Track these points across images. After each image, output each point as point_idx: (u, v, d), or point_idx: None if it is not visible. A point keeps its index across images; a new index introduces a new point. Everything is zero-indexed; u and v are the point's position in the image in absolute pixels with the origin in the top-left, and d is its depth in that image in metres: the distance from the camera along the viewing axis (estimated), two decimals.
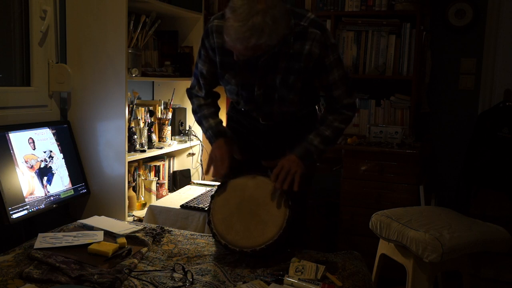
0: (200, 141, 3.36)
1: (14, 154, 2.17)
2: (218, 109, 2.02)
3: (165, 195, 3.01)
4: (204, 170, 1.96)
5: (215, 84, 1.97)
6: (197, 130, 3.36)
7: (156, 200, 2.90)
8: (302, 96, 1.82)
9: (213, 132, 1.92)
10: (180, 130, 3.26)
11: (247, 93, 1.83)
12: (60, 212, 2.59)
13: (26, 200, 2.18)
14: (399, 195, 2.92)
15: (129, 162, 2.59)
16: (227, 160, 1.83)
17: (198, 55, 1.92)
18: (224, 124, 2.03)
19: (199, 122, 2.00)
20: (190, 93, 2.02)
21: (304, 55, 1.71)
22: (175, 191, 3.04)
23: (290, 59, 1.73)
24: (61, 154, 2.47)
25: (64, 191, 2.43)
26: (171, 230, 2.07)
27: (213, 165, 1.86)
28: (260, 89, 1.80)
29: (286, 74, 1.75)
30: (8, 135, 2.18)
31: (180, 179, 3.23)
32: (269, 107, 1.85)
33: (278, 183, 1.75)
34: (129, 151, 2.60)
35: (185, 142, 3.21)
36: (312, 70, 1.75)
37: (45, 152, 2.37)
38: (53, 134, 2.45)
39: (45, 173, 2.33)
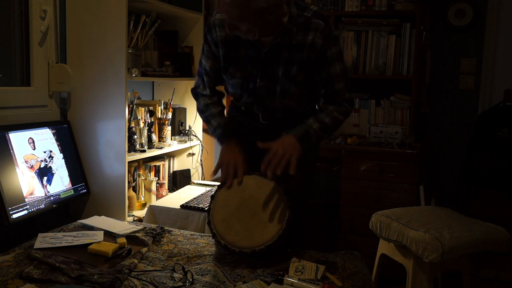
0: (200, 141, 3.36)
1: (14, 154, 2.17)
2: (224, 107, 2.01)
3: (165, 195, 3.01)
4: (213, 171, 1.91)
5: (218, 82, 1.96)
6: (197, 130, 3.36)
7: (156, 200, 2.90)
8: (304, 90, 1.82)
9: (222, 131, 1.91)
10: (180, 130, 3.26)
11: (251, 86, 1.83)
12: (60, 212, 2.59)
13: (26, 200, 2.18)
14: (399, 195, 2.92)
15: (129, 162, 2.59)
16: (242, 167, 1.81)
17: (201, 52, 1.93)
18: None
19: (207, 121, 1.97)
20: (196, 93, 2.02)
21: (307, 45, 1.72)
22: (175, 191, 3.04)
23: (293, 50, 1.73)
24: (61, 154, 2.47)
25: (64, 191, 2.43)
26: (171, 230, 2.07)
27: (224, 170, 1.83)
28: (263, 81, 1.80)
29: (289, 65, 1.75)
30: (8, 135, 2.18)
31: (180, 179, 3.23)
32: (271, 101, 1.85)
33: (270, 170, 1.72)
34: (129, 151, 2.60)
35: (185, 142, 3.21)
36: (314, 62, 1.75)
37: (45, 152, 2.37)
38: (53, 134, 2.45)
39: (45, 173, 2.33)
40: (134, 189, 2.85)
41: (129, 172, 2.69)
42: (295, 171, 1.70)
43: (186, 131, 3.30)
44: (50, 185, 2.34)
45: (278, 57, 1.76)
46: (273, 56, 1.75)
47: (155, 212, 2.61)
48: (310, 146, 1.82)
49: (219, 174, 1.91)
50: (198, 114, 2.07)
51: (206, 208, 2.46)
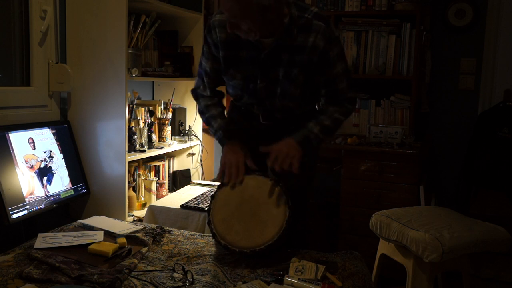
0: (200, 141, 3.36)
1: (14, 154, 2.17)
2: (224, 108, 2.01)
3: (165, 195, 3.01)
4: (217, 176, 1.93)
5: (218, 83, 1.96)
6: (197, 130, 3.36)
7: (156, 200, 2.90)
8: (304, 91, 1.82)
9: (224, 133, 1.91)
10: (180, 130, 3.26)
11: (251, 86, 1.83)
12: (60, 212, 2.59)
13: (26, 200, 2.18)
14: (399, 195, 2.92)
15: (129, 162, 2.59)
16: (243, 167, 1.82)
17: (201, 53, 1.92)
18: None
19: (208, 122, 1.98)
20: (196, 93, 2.02)
21: (308, 47, 1.72)
22: (175, 191, 3.04)
23: (293, 51, 1.73)
24: (61, 154, 2.47)
25: (64, 191, 2.43)
26: (171, 230, 2.07)
27: (226, 171, 1.84)
28: (263, 82, 1.80)
29: (289, 67, 1.76)
30: (8, 135, 2.18)
31: (180, 179, 3.23)
32: (271, 102, 1.85)
33: (277, 166, 1.75)
34: (129, 151, 2.60)
35: (185, 142, 3.21)
36: (316, 63, 1.75)
37: (45, 152, 2.37)
38: (53, 134, 2.45)
39: (45, 173, 2.33)
40: (134, 189, 2.85)
41: (129, 172, 2.69)
42: (297, 170, 1.73)
43: (186, 131, 3.30)
44: (50, 185, 2.34)
45: (279, 59, 1.75)
46: (274, 58, 1.75)
47: (155, 212, 2.61)
48: (311, 147, 1.83)
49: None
50: (199, 115, 2.07)
51: (206, 208, 2.46)
